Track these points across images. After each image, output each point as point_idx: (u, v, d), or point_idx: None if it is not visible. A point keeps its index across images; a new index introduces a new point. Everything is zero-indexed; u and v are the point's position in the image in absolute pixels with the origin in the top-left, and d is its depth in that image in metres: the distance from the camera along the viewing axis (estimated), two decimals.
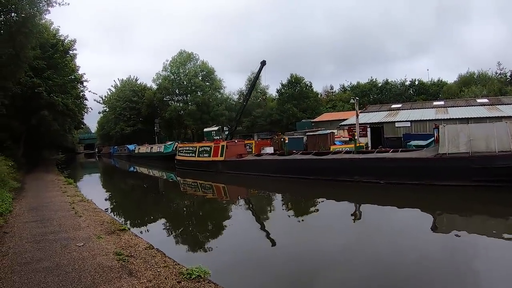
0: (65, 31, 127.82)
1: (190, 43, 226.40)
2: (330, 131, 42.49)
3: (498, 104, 47.12)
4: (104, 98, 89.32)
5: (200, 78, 75.74)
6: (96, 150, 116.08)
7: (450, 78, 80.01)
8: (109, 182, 39.56)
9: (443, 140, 20.36)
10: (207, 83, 76.52)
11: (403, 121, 44.71)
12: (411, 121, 44.14)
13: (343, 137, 42.88)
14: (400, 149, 24.94)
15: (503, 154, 18.71)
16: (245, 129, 76.89)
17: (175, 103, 79.04)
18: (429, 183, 19.70)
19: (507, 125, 19.67)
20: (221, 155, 34.18)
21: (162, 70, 79.37)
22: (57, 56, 37.84)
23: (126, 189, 32.62)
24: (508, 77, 74.06)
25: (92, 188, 30.30)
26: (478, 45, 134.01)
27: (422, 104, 56.30)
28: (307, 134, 42.27)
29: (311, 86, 77.18)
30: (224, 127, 60.89)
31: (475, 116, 41.15)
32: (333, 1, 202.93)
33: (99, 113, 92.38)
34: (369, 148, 34.18)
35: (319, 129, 50.58)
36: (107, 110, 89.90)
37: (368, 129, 40.06)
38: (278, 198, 23.00)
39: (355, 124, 41.29)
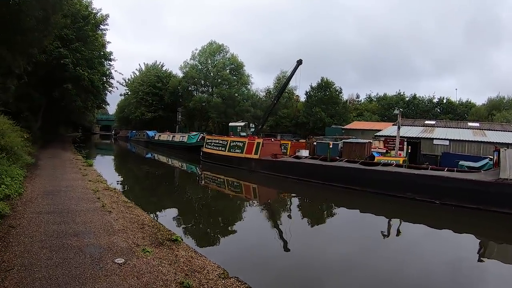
0: (98, 5, 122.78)
1: (217, 34, 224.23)
2: (368, 140, 39.96)
3: None
4: (127, 80, 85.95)
5: (228, 71, 72.23)
6: (113, 132, 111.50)
7: (474, 100, 75.69)
8: (131, 169, 35.60)
9: (504, 164, 18.69)
10: (235, 77, 72.97)
11: (441, 139, 42.41)
12: (450, 140, 41.79)
13: (379, 148, 40.29)
14: (455, 169, 23.16)
15: None
16: (268, 128, 73.00)
17: (200, 93, 75.49)
18: (487, 209, 17.86)
19: None
20: (256, 153, 31.37)
21: (190, 58, 75.92)
22: (87, 29, 34.82)
23: (152, 179, 28.92)
24: None
25: (114, 174, 27.37)
26: (505, 71, 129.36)
27: (456, 123, 53.82)
28: (343, 141, 39.37)
29: (341, 92, 73.37)
30: (250, 124, 57.15)
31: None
32: (365, 7, 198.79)
33: (121, 95, 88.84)
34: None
35: (350, 137, 48.50)
36: (129, 93, 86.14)
37: (405, 143, 36.82)
38: (325, 208, 20.29)
39: (392, 136, 41.37)
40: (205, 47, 74.11)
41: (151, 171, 33.76)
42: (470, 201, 18.49)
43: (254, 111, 70.65)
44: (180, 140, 54.21)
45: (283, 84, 51.21)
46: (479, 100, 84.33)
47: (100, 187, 15.27)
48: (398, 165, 24.59)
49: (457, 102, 78.94)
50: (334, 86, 71.54)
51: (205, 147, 38.47)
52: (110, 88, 46.32)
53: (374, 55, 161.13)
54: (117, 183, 20.13)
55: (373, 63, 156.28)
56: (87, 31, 34.36)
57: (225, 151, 34.81)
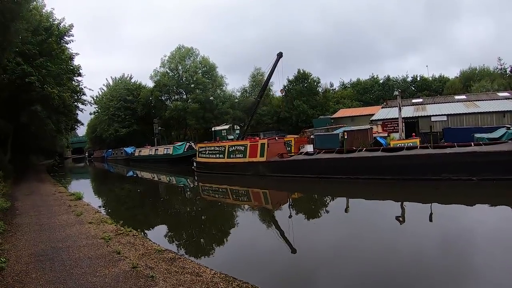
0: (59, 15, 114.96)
1: (180, 38, 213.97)
2: (369, 126, 38.27)
3: None
4: (95, 98, 78.65)
5: (200, 74, 67.49)
6: (87, 154, 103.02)
7: (439, 74, 76.79)
8: (123, 192, 29.58)
9: None
10: (208, 80, 68.38)
11: (439, 115, 42.07)
12: (447, 115, 41.60)
13: (379, 132, 38.73)
14: (472, 143, 21.89)
15: None
16: (249, 128, 68.54)
17: (175, 101, 70.27)
18: None
19: None
20: (262, 155, 27.48)
21: (160, 66, 70.92)
22: (51, 41, 29.51)
23: (154, 203, 22.59)
24: (508, 72, 73.52)
25: (109, 204, 22.56)
26: (466, 43, 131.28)
27: (444, 98, 53.99)
28: (344, 129, 36.72)
29: (319, 81, 71.10)
30: (235, 126, 53.16)
31: (510, 109, 40.04)
32: None
33: (91, 114, 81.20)
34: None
35: (341, 125, 47.45)
36: (99, 110, 79.64)
37: (400, 125, 34.38)
38: (376, 206, 16.96)
39: (389, 119, 41.35)
40: (174, 52, 69.27)
41: (147, 192, 28.03)
42: (507, 173, 17.71)
43: (234, 112, 66.98)
44: (165, 152, 49.35)
45: (265, 80, 47.37)
46: (446, 74, 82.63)
47: (109, 230, 11.02)
48: (410, 148, 23.13)
49: (431, 78, 79.07)
50: (312, 76, 69.12)
51: (198, 157, 33.86)
52: (83, 106, 40.45)
53: (338, 42, 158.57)
54: (121, 218, 15.73)
55: (338, 50, 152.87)
56: (51, 44, 29.24)
57: (224, 158, 30.53)
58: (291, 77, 68.90)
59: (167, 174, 39.89)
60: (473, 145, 21.28)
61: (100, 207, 15.53)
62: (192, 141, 51.43)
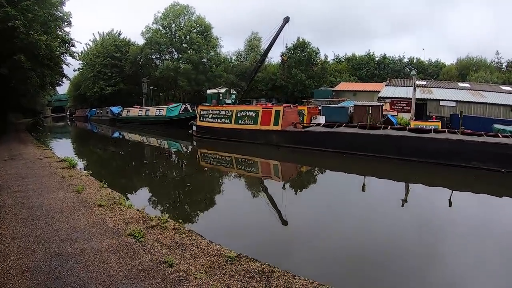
0: None
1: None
2: (381, 103, 36.30)
3: None
4: (80, 54, 68.93)
5: (195, 34, 62.96)
6: (68, 113, 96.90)
7: (435, 59, 77.82)
8: (119, 159, 24.83)
9: None
10: (203, 41, 63.47)
11: (448, 100, 40.62)
12: (456, 101, 40.12)
13: (388, 110, 37.10)
14: (501, 135, 20.81)
15: None
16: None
17: (166, 61, 64.97)
18: None
19: None
20: (276, 124, 25.14)
21: (153, 22, 65.62)
22: None
23: (161, 172, 19.75)
24: (504, 67, 74.34)
25: (108, 172, 18.87)
26: (463, 33, 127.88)
27: (448, 84, 52.43)
28: (355, 104, 34.71)
29: (318, 52, 67.20)
30: (231, 90, 49.59)
31: None
32: None
33: (75, 70, 72.39)
34: None
35: (343, 99, 45.63)
36: (84, 67, 72.76)
37: (413, 106, 32.83)
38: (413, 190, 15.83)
39: (397, 98, 40.66)
40: (168, 9, 64.21)
41: (148, 158, 24.94)
42: None
43: (227, 76, 63.22)
44: (157, 114, 45.36)
45: (270, 42, 44.09)
46: (441, 60, 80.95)
47: (132, 219, 8.05)
48: (437, 131, 22.31)
49: (427, 62, 78.11)
50: (311, 46, 65.51)
51: (200, 120, 30.68)
52: (70, 60, 35.49)
53: (332, 16, 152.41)
54: (135, 196, 12.90)
55: (331, 25, 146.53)
56: None
57: (230, 123, 27.62)
58: (289, 45, 64.45)
59: (162, 137, 36.58)
60: (500, 136, 20.56)
61: (103, 181, 11.96)
62: (188, 103, 47.45)
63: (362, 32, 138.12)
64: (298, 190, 15.28)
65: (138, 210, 8.80)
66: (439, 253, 8.41)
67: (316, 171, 19.76)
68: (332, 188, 15.98)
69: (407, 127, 24.66)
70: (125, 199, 10.12)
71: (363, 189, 15.04)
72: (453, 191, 14.96)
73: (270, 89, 66.85)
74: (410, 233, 9.84)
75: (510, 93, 46.05)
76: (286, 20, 41.37)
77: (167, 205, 12.07)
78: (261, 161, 21.64)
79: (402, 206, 12.70)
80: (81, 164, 17.78)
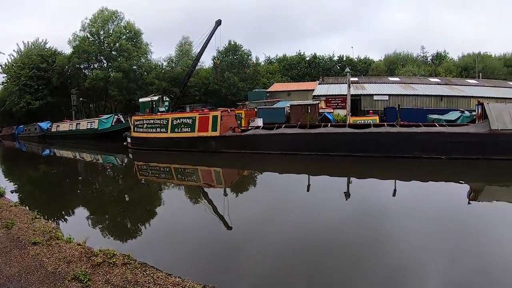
0: None
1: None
2: (316, 101, 36.77)
3: (451, 84, 50.16)
4: (4, 66, 65.96)
5: (124, 40, 59.67)
6: None
7: (364, 56, 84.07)
8: (50, 179, 21.48)
9: (491, 117, 20.34)
10: (133, 48, 60.28)
11: (382, 94, 42.86)
12: (389, 95, 42.35)
13: (323, 108, 37.48)
14: (438, 124, 23.02)
15: None
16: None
17: (95, 70, 61.39)
18: (486, 158, 19.12)
19: None
20: (214, 129, 24.12)
21: (80, 29, 61.02)
22: None
23: (98, 193, 16.87)
24: (429, 60, 79.49)
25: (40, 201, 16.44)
26: (388, 29, 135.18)
27: (379, 79, 55.67)
28: (291, 104, 35.05)
29: (250, 54, 67.30)
30: (163, 97, 47.46)
31: (447, 94, 42.78)
32: None
33: None
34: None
35: (278, 99, 45.58)
36: (8, 80, 66.43)
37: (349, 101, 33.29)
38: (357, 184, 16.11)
39: (331, 95, 41.96)
40: (96, 15, 60.29)
41: (82, 177, 21.96)
42: (472, 153, 19.22)
43: (159, 83, 61.36)
44: (89, 127, 42.31)
45: (202, 46, 43.16)
46: (370, 56, 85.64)
47: (74, 257, 6.92)
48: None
49: (356, 59, 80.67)
50: (243, 49, 65.45)
51: (134, 131, 28.68)
52: None
53: (263, 17, 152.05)
54: (65, 218, 11.66)
55: (261, 26, 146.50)
56: None
57: (167, 132, 26.05)
58: (221, 49, 64.80)
59: (96, 152, 34.16)
60: (437, 125, 22.19)
61: (35, 211, 10.42)
62: (120, 113, 44.90)
63: (292, 32, 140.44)
64: (243, 195, 14.75)
65: (79, 245, 7.61)
66: (387, 241, 8.78)
67: (260, 175, 19.26)
68: (277, 189, 15.55)
69: (347, 123, 25.11)
70: (62, 232, 8.84)
71: (308, 189, 14.83)
72: (397, 181, 15.63)
73: (203, 94, 65.67)
74: (357, 224, 10.10)
75: (438, 84, 49.69)
76: (218, 23, 41.07)
77: (110, 232, 10.61)
78: (202, 170, 20.68)
79: (347, 200, 12.90)
80: (9, 191, 15.55)
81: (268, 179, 18.18)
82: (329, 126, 23.62)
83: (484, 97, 37.21)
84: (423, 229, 9.53)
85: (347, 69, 32.95)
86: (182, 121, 25.40)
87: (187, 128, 24.98)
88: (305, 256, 7.92)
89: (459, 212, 11.33)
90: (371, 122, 26.89)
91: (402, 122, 22.96)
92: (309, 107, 31.04)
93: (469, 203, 12.69)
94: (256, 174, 19.39)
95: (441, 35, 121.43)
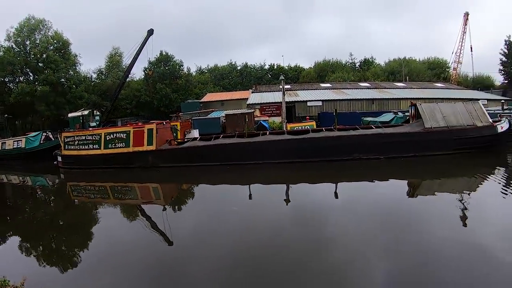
0: None
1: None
2: (252, 109, 37.02)
3: (380, 88, 53.42)
4: None
5: (52, 51, 55.74)
6: None
7: (294, 64, 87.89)
8: None
9: (424, 116, 22.03)
10: (61, 59, 56.30)
11: (315, 100, 44.00)
12: (322, 101, 43.68)
13: (258, 116, 37.36)
14: (374, 126, 24.26)
15: (470, 127, 21.85)
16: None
17: (20, 83, 56.36)
18: (422, 154, 20.74)
19: (463, 105, 23.33)
20: (150, 143, 22.96)
21: (5, 39, 56.47)
22: None
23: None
24: (357, 66, 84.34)
25: None
26: (317, 37, 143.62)
27: (310, 85, 57.73)
28: (226, 113, 34.77)
29: (182, 64, 66.29)
30: (94, 111, 45.53)
31: (378, 97, 45.03)
32: None
33: None
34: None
35: (212, 109, 44.72)
36: None
37: (284, 109, 33.92)
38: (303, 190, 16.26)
39: (266, 103, 42.39)
40: (23, 24, 55.88)
41: (9, 204, 19.64)
42: (408, 151, 20.58)
43: (89, 96, 58.29)
44: (15, 146, 38.44)
45: (133, 57, 41.73)
46: (300, 64, 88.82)
47: None
48: (310, 131, 23.66)
49: (287, 67, 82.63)
50: (175, 59, 64.66)
51: (65, 149, 26.45)
52: None
53: (192, 28, 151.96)
54: None
55: (190, 37, 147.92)
56: None
57: (100, 148, 24.30)
58: (152, 60, 62.71)
59: (24, 173, 31.03)
60: (374, 127, 23.20)
61: None
62: (49, 130, 41.87)
63: (223, 42, 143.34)
64: (183, 210, 14.29)
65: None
66: (330, 242, 9.14)
67: (199, 187, 18.56)
68: (218, 200, 15.09)
69: (285, 130, 25.71)
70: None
71: (250, 197, 14.76)
72: (337, 184, 16.00)
73: (134, 106, 63.73)
74: (300, 229, 10.28)
75: (368, 88, 52.64)
76: (150, 33, 40.26)
77: (47, 271, 9.56)
78: (139, 186, 19.50)
79: (287, 205, 13.07)
80: None
81: (208, 191, 17.53)
82: (268, 134, 23.67)
83: (413, 98, 39.30)
84: (365, 228, 9.94)
85: (282, 77, 33.39)
86: (116, 136, 23.97)
87: (121, 143, 23.65)
88: (249, 266, 7.96)
89: (399, 208, 12.01)
90: (309, 127, 27.18)
91: (339, 126, 23.26)
92: (246, 115, 30.96)
93: (408, 198, 13.69)
94: (195, 187, 18.74)
95: (368, 42, 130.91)
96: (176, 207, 14.70)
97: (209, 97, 56.94)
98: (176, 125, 28.04)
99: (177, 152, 22.70)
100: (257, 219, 11.56)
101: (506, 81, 71.07)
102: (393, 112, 33.32)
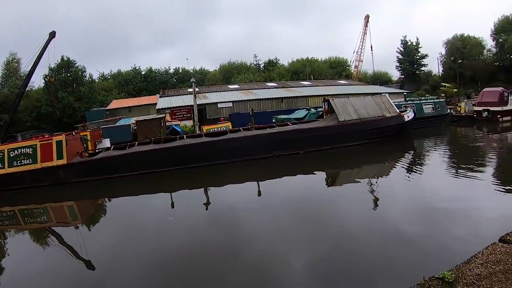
0: None
1: None
2: (162, 114, 35.62)
3: (287, 87, 55.64)
4: None
5: None
6: None
7: (200, 67, 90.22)
8: None
9: (338, 110, 23.74)
10: None
11: (225, 101, 44.63)
12: (232, 102, 44.42)
13: (169, 121, 37.03)
14: (290, 123, 25.60)
15: (379, 118, 24.20)
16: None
17: None
18: (338, 146, 22.39)
19: (372, 98, 25.83)
20: (60, 157, 20.57)
21: None
22: None
23: None
24: (261, 67, 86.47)
25: None
26: (221, 40, 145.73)
27: (218, 87, 58.28)
28: (136, 120, 32.98)
29: (85, 70, 62.14)
30: None
31: (286, 96, 47.22)
32: None
33: None
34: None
35: (120, 116, 43.08)
36: None
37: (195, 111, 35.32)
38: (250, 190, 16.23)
39: (176, 107, 41.76)
40: None
41: None
42: (325, 144, 22.12)
43: None
44: None
45: (34, 63, 38.60)
46: (206, 67, 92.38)
47: None
48: (223, 132, 24.01)
49: (192, 70, 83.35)
50: (77, 65, 60.47)
51: None
52: None
53: (92, 32, 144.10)
54: None
55: (91, 41, 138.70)
56: None
57: (4, 167, 21.11)
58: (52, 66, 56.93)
59: None
60: (290, 124, 24.40)
61: None
62: None
63: (126, 47, 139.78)
64: (102, 228, 13.33)
65: None
66: (253, 240, 9.58)
67: (119, 201, 17.32)
68: (138, 213, 14.23)
69: (202, 133, 25.38)
70: None
71: (172, 206, 14.46)
72: (260, 182, 16.58)
73: (35, 118, 57.83)
74: (220, 231, 10.59)
75: (276, 87, 54.48)
76: (52, 35, 37.63)
77: None
78: (53, 207, 17.43)
79: (207, 209, 13.18)
80: None
81: (129, 204, 16.44)
82: (185, 138, 23.13)
83: (320, 95, 42.04)
84: (286, 223, 10.51)
85: (193, 79, 34.50)
86: (21, 152, 21.17)
87: (28, 160, 20.94)
88: (174, 278, 7.94)
89: (320, 198, 13.21)
90: (225, 129, 27.37)
91: (256, 125, 23.80)
92: (154, 121, 30.23)
93: (328, 188, 15.24)
94: (114, 201, 17.53)
95: (272, 43, 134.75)
96: (94, 225, 13.69)
97: (115, 104, 54.30)
98: (86, 135, 26.29)
99: (90, 164, 20.90)
100: (177, 227, 11.51)
101: (403, 76, 78.43)
102: (306, 108, 35.33)
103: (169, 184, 18.72)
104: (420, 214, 10.55)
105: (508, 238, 6.43)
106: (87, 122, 41.90)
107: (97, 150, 23.60)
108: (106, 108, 51.13)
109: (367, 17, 73.30)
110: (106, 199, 18.02)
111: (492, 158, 19.03)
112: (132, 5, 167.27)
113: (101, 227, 13.42)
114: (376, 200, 12.32)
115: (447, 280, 4.98)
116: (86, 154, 22.42)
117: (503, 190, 12.21)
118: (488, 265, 5.37)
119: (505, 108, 33.19)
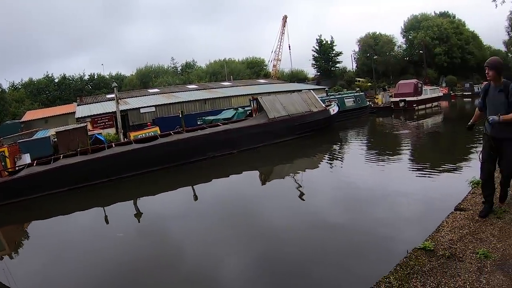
0: None
1: None
2: (84, 124, 33.21)
3: (208, 88, 55.36)
4: None
5: None
6: None
7: (116, 72, 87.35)
8: None
9: (267, 108, 24.39)
10: None
11: (147, 106, 43.09)
12: (155, 106, 43.07)
13: (90, 130, 34.18)
14: (221, 124, 25.39)
15: (307, 113, 25.52)
16: None
17: None
18: (270, 143, 23.02)
19: (299, 95, 27.11)
20: None
21: None
22: None
23: None
24: (179, 70, 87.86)
25: None
26: (138, 45, 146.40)
27: (138, 92, 56.95)
28: (56, 131, 30.70)
29: None
30: None
31: (209, 97, 46.57)
32: None
33: None
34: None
35: (37, 129, 39.89)
36: None
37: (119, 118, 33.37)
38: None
39: (97, 115, 39.36)
40: None
41: None
42: (256, 141, 22.54)
43: None
44: None
45: None
46: (122, 72, 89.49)
47: None
48: (154, 137, 23.08)
49: (108, 76, 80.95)
50: None
51: None
52: None
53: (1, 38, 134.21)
54: None
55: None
56: None
57: None
58: None
59: None
60: (221, 125, 24.26)
61: None
62: None
63: (37, 53, 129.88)
64: (33, 255, 11.49)
65: None
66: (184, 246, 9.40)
67: (48, 222, 15.27)
68: (69, 233, 12.74)
69: (132, 140, 23.98)
70: None
71: (106, 221, 13.29)
72: (194, 186, 16.16)
73: None
74: (149, 243, 10.06)
75: (197, 89, 54.10)
76: None
77: None
78: None
79: (140, 222, 12.44)
80: None
81: (61, 222, 14.69)
82: (114, 146, 21.42)
83: (242, 95, 43.52)
84: (220, 227, 10.35)
85: (114, 84, 33.19)
86: None
87: None
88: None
89: (254, 197, 13.42)
90: (155, 134, 26.38)
91: (186, 128, 23.41)
92: (74, 131, 28.43)
93: (262, 186, 15.29)
94: (46, 221, 15.43)
95: (189, 46, 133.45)
96: (26, 253, 11.83)
97: (30, 115, 50.62)
98: (4, 151, 23.44)
99: (11, 184, 18.32)
100: (109, 243, 10.65)
101: (319, 73, 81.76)
102: (233, 108, 35.66)
103: (102, 197, 17.25)
104: (349, 202, 11.25)
105: (461, 206, 7.36)
106: (1, 137, 38.67)
107: (17, 168, 21.16)
108: (20, 121, 47.81)
109: (285, 18, 75.58)
110: (35, 221, 15.92)
111: (419, 143, 22.09)
112: (42, 10, 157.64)
113: (29, 252, 11.89)
114: (302, 194, 12.82)
115: (428, 248, 5.56)
116: (6, 173, 19.98)
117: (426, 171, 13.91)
118: (455, 230, 6.19)
119: (419, 97, 37.08)
